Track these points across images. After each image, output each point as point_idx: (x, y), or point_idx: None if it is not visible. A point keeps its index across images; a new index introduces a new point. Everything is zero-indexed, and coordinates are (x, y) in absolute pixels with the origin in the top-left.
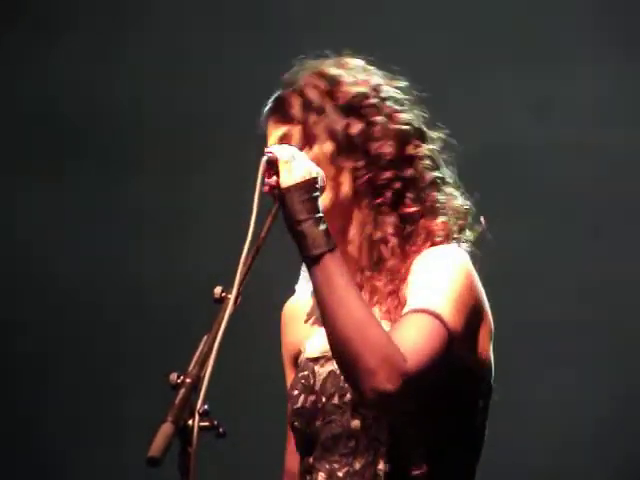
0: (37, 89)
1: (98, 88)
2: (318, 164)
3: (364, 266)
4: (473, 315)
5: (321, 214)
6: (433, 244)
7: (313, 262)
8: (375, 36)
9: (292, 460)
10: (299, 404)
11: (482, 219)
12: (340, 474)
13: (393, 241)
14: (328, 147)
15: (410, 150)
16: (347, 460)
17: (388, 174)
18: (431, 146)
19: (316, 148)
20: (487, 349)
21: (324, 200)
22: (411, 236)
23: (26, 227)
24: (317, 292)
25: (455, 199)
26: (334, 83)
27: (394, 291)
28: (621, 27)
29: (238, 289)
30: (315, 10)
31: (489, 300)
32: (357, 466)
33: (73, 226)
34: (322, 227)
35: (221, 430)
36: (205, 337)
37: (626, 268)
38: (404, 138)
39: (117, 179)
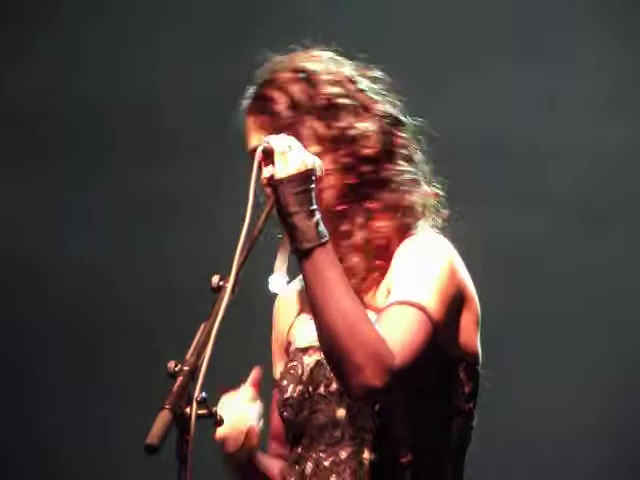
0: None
1: (79, 85)
2: None
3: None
4: (456, 303)
5: (314, 207)
6: (411, 234)
7: (303, 255)
8: (376, 34)
9: (276, 420)
10: (288, 394)
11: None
12: (326, 463)
13: (360, 235)
14: (313, 149)
15: (388, 145)
16: (333, 449)
17: (369, 170)
18: (407, 138)
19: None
20: (473, 336)
21: (328, 196)
22: (383, 229)
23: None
24: (307, 286)
25: (426, 192)
26: (313, 82)
27: (371, 284)
28: (625, 25)
29: (235, 278)
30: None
31: (486, 293)
32: (343, 455)
33: (59, 220)
34: (314, 220)
35: (219, 418)
36: (202, 325)
37: (627, 266)
38: (383, 134)
39: (109, 172)
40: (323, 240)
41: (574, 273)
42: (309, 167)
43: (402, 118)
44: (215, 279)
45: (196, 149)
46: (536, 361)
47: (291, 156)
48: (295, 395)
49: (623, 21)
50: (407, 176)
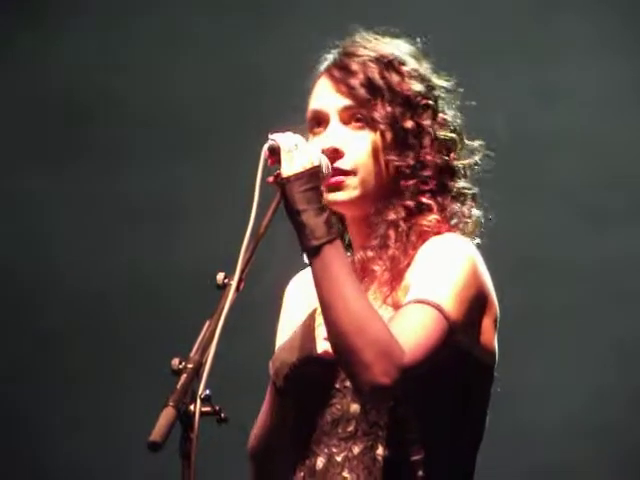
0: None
1: (89, 81)
2: (365, 149)
3: (368, 245)
4: (477, 304)
5: (322, 204)
6: (434, 234)
7: (312, 253)
8: (374, 21)
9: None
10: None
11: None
12: (339, 459)
13: (402, 226)
14: (384, 137)
15: (452, 161)
16: (346, 444)
17: (428, 182)
18: (469, 158)
19: (371, 133)
20: (491, 337)
21: (350, 182)
22: (415, 226)
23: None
24: (316, 283)
25: (471, 214)
26: (398, 73)
27: (392, 279)
28: (630, 19)
29: (240, 275)
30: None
31: (498, 290)
32: (356, 451)
33: (70, 217)
34: (323, 217)
35: (222, 415)
36: (207, 323)
37: (627, 262)
38: (449, 147)
39: (115, 171)
40: (332, 237)
41: (574, 272)
42: (316, 165)
43: (464, 135)
44: (220, 276)
45: (201, 148)
46: (528, 359)
47: (298, 154)
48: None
49: (628, 14)
50: (454, 196)
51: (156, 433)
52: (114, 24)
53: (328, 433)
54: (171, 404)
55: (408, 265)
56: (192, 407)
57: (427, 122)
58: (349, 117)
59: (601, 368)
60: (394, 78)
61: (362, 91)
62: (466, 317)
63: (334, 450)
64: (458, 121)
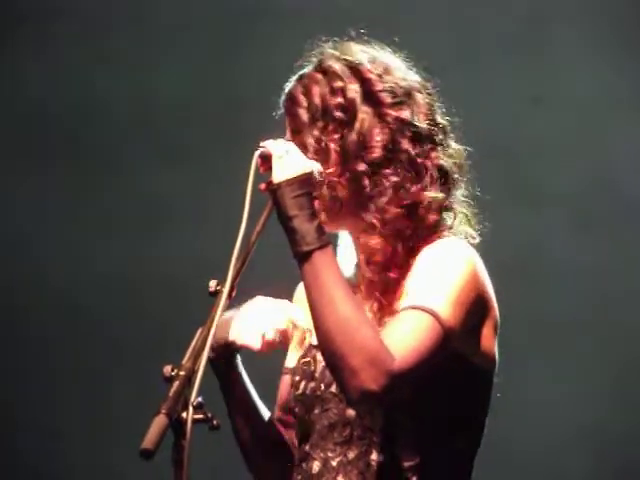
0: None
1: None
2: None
3: (371, 265)
4: (476, 309)
5: (314, 209)
6: (436, 238)
7: (302, 258)
8: (370, 31)
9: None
10: (300, 390)
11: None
12: (334, 463)
13: (389, 249)
14: (334, 156)
15: (441, 165)
16: (341, 449)
17: (420, 193)
18: (456, 159)
19: (322, 156)
20: (491, 343)
21: (341, 192)
22: (415, 234)
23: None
24: (306, 288)
25: (467, 220)
26: (332, 88)
27: (390, 286)
28: (620, 24)
29: (232, 283)
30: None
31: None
32: (351, 455)
33: (57, 224)
34: (314, 223)
35: (215, 423)
36: (199, 330)
37: (622, 267)
38: (436, 154)
39: (101, 176)
40: (322, 243)
41: (567, 276)
42: (307, 171)
43: (450, 140)
44: (212, 284)
45: (191, 151)
46: (524, 364)
47: (289, 160)
48: (307, 392)
49: (619, 19)
50: (450, 203)
51: (148, 441)
52: (98, 34)
53: (324, 437)
54: (163, 411)
55: (407, 272)
56: (184, 414)
57: (411, 134)
58: (298, 144)
59: (593, 374)
60: (328, 94)
61: (300, 120)
62: (464, 322)
63: (330, 455)
64: (442, 124)
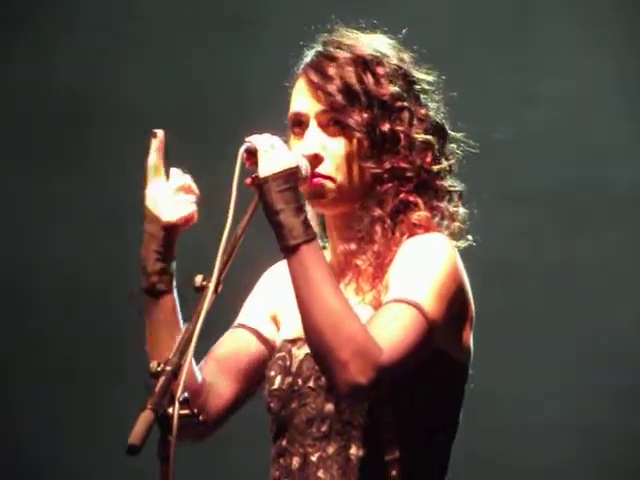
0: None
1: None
2: (342, 155)
3: (352, 238)
4: (456, 304)
5: (300, 204)
6: (420, 232)
7: (289, 252)
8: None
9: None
10: (276, 385)
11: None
12: (313, 458)
13: (388, 223)
14: (360, 143)
15: (431, 162)
16: (320, 444)
17: (408, 185)
18: (451, 158)
19: (348, 139)
20: (467, 336)
21: (330, 187)
22: (403, 223)
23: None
24: (293, 282)
25: (457, 212)
26: (375, 75)
27: (375, 275)
28: (615, 22)
29: (218, 278)
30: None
31: (481, 293)
32: (330, 450)
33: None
34: (300, 217)
35: (201, 418)
36: (185, 325)
37: (608, 265)
38: (428, 148)
39: (97, 173)
40: (309, 237)
41: (555, 274)
42: (293, 165)
43: (448, 131)
44: (198, 279)
45: (181, 151)
46: (510, 359)
47: (275, 154)
48: (284, 387)
49: (609, 19)
50: (439, 196)
51: (134, 436)
52: (107, 34)
53: (303, 432)
54: (149, 407)
55: (390, 261)
56: (170, 410)
57: (403, 126)
58: (326, 121)
59: (578, 369)
60: (371, 81)
61: (339, 97)
62: (445, 316)
63: (309, 450)
64: (441, 114)
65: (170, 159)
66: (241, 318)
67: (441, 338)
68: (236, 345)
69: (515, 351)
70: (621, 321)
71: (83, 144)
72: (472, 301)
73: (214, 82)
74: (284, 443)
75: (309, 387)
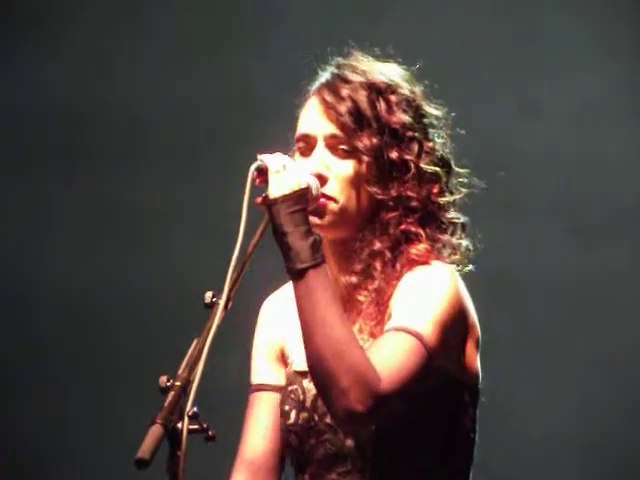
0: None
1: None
2: (347, 177)
3: (352, 270)
4: (458, 329)
5: (309, 226)
6: (421, 263)
7: (296, 276)
8: (362, 41)
9: (248, 447)
10: (292, 420)
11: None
12: None
13: (388, 256)
14: (367, 167)
15: (437, 194)
16: (344, 479)
17: (413, 215)
18: (456, 192)
19: (355, 163)
20: (474, 359)
21: (332, 208)
22: (403, 255)
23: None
24: (298, 306)
25: (460, 244)
26: (387, 102)
27: (378, 312)
28: (615, 33)
29: (228, 294)
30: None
31: (487, 308)
32: None
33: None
34: (309, 241)
35: (210, 433)
36: (195, 341)
37: (616, 276)
38: (434, 180)
39: (106, 181)
40: (317, 261)
41: (557, 285)
42: (303, 187)
43: (452, 166)
44: (208, 295)
45: (192, 162)
46: (514, 375)
47: (285, 175)
48: (300, 422)
49: (610, 27)
50: (443, 228)
51: (143, 450)
52: (107, 36)
53: (326, 468)
54: (158, 422)
55: (391, 295)
56: (179, 425)
57: (412, 156)
58: (335, 144)
59: (586, 383)
60: (383, 107)
61: (349, 120)
62: (446, 343)
63: None
64: (447, 150)
65: (173, 171)
66: (254, 377)
67: (444, 364)
68: (265, 415)
69: (526, 365)
70: (629, 337)
71: (83, 152)
72: (477, 322)
73: (215, 91)
74: (307, 478)
75: (326, 423)
